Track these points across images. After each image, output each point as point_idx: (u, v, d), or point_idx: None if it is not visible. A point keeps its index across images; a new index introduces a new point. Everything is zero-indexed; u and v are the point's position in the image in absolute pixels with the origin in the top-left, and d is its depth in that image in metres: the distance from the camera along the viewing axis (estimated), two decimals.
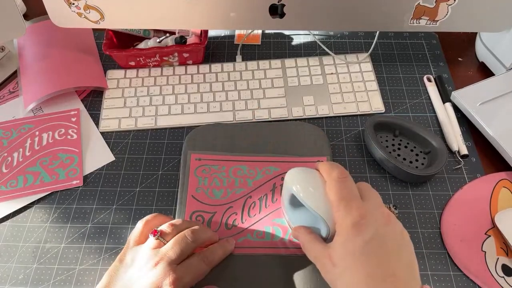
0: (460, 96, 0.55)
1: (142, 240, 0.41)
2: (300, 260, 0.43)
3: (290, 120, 0.57)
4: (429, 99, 0.59)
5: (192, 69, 0.62)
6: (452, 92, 0.56)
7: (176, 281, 0.36)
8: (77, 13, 0.54)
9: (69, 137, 0.55)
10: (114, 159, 0.54)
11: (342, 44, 0.65)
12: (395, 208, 0.47)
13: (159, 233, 0.40)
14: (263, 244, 0.45)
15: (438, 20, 0.54)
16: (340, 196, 0.35)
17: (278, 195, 0.48)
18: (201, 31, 0.61)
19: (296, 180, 0.39)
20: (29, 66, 0.60)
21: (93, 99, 0.60)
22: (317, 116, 0.57)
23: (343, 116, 0.57)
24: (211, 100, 0.58)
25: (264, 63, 0.62)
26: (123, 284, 0.37)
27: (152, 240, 0.39)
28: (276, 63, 0.62)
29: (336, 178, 0.36)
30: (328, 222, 0.36)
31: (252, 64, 0.62)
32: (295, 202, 0.41)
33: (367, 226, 0.33)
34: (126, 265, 0.39)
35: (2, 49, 0.63)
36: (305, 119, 0.57)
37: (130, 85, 0.60)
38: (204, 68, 0.62)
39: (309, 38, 0.66)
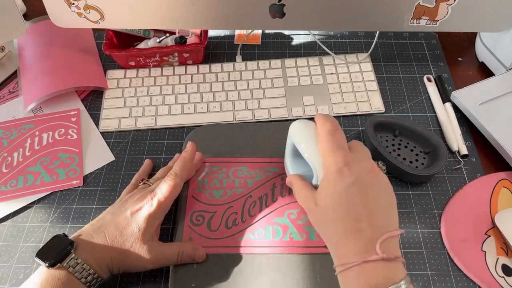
0: (460, 96, 0.55)
1: (132, 190, 0.47)
2: (300, 260, 0.44)
3: (290, 120, 0.57)
4: (429, 99, 0.59)
5: (192, 69, 0.62)
6: (452, 92, 0.56)
7: (154, 198, 0.42)
8: (77, 13, 0.54)
9: (69, 137, 0.55)
10: (114, 159, 0.54)
11: (342, 44, 0.65)
12: (382, 165, 0.47)
13: (145, 179, 0.48)
14: (263, 244, 0.45)
15: (438, 20, 0.54)
16: (329, 146, 0.37)
17: (278, 195, 0.48)
18: (201, 31, 0.61)
19: (296, 131, 0.42)
20: (29, 66, 0.60)
21: (93, 99, 0.60)
22: None
23: (343, 116, 0.57)
24: (211, 100, 0.58)
25: (264, 63, 0.62)
26: (110, 211, 0.43)
27: (139, 186, 0.47)
28: (276, 63, 0.62)
29: (327, 130, 0.38)
30: (318, 170, 0.38)
31: (252, 64, 0.62)
32: (294, 152, 0.44)
33: (350, 172, 0.35)
34: (115, 204, 0.45)
35: (2, 49, 0.63)
36: (305, 119, 0.57)
37: (130, 85, 0.60)
38: (204, 68, 0.62)
39: (309, 38, 0.66)
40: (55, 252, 0.38)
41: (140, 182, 0.48)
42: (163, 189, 0.43)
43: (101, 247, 0.40)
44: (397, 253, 0.34)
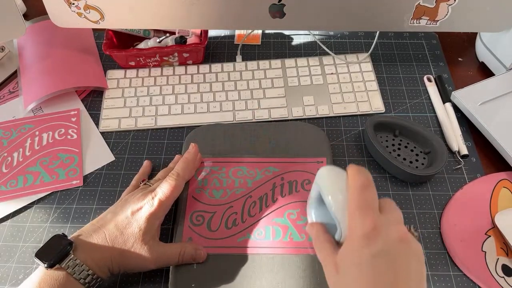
0: (460, 96, 0.55)
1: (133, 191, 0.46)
2: (300, 260, 0.44)
3: (290, 120, 0.57)
4: (429, 99, 0.59)
5: (192, 69, 0.62)
6: (452, 92, 0.56)
7: (155, 198, 0.42)
8: (77, 13, 0.54)
9: (69, 137, 0.55)
10: (114, 159, 0.54)
11: (342, 44, 0.65)
12: (415, 230, 0.45)
13: (146, 180, 0.47)
14: (263, 244, 0.45)
15: (438, 20, 0.54)
16: (358, 205, 0.34)
17: (278, 195, 0.48)
18: (201, 31, 0.61)
19: (324, 178, 0.39)
20: (29, 66, 0.60)
21: (93, 99, 0.60)
22: (317, 116, 0.57)
23: (343, 116, 0.57)
24: (211, 100, 0.58)
25: (264, 63, 0.62)
26: (111, 211, 0.43)
27: (140, 187, 0.46)
28: (276, 63, 0.62)
29: (359, 186, 0.34)
30: (343, 228, 0.35)
31: (252, 64, 0.62)
32: (319, 198, 0.41)
33: (377, 239, 0.32)
34: (115, 204, 0.44)
35: (2, 49, 0.63)
36: (305, 119, 0.57)
37: (130, 85, 0.60)
38: (204, 68, 0.62)
39: (309, 38, 0.66)
40: (54, 252, 0.38)
41: (140, 183, 0.48)
42: (164, 188, 0.43)
43: (101, 247, 0.40)
44: None
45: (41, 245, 0.39)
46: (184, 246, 0.43)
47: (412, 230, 0.40)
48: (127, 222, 0.41)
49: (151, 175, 0.52)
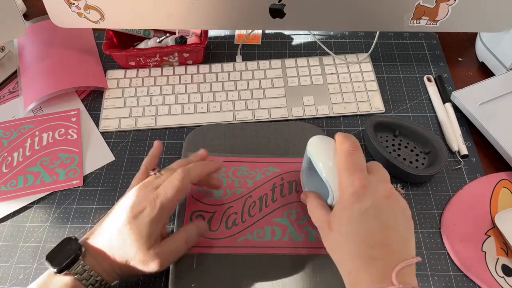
0: (460, 96, 0.55)
1: (142, 178, 0.43)
2: (300, 260, 0.44)
3: (290, 120, 0.57)
4: (429, 99, 0.59)
5: (192, 69, 0.62)
6: (452, 92, 0.56)
7: (157, 200, 0.39)
8: (77, 13, 0.54)
9: (69, 137, 0.55)
10: (114, 159, 0.54)
11: (342, 44, 0.65)
12: (402, 188, 0.46)
13: (157, 169, 0.43)
14: (263, 244, 0.45)
15: (438, 20, 0.54)
16: (346, 167, 0.36)
17: (278, 195, 0.48)
18: (201, 31, 0.61)
19: (314, 147, 0.41)
20: (29, 66, 0.60)
21: (93, 99, 0.60)
22: (317, 116, 0.57)
23: (343, 116, 0.57)
24: (211, 100, 0.58)
25: (264, 63, 0.62)
26: (119, 205, 0.40)
27: (150, 176, 0.43)
28: (276, 63, 0.62)
29: (346, 150, 0.37)
30: (334, 190, 0.38)
31: (252, 64, 0.62)
32: (311, 168, 0.43)
33: (366, 196, 0.34)
34: (123, 199, 0.41)
35: (2, 49, 0.63)
36: (305, 119, 0.57)
37: (130, 85, 0.60)
38: (204, 68, 0.62)
39: (309, 38, 0.66)
40: (64, 257, 0.37)
41: (151, 172, 0.44)
42: (168, 190, 0.39)
43: (107, 255, 0.38)
44: (414, 283, 0.32)
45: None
46: (187, 231, 0.42)
47: (399, 189, 0.41)
48: (128, 230, 0.38)
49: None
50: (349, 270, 0.34)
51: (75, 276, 0.37)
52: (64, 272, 0.37)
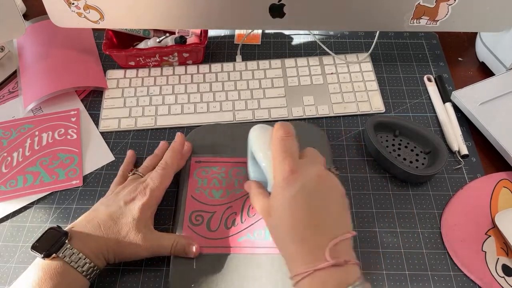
0: (460, 96, 0.55)
1: (122, 182, 0.48)
2: None
3: (290, 120, 0.57)
4: (429, 99, 0.59)
5: (192, 69, 0.62)
6: (453, 92, 0.56)
7: (147, 188, 0.43)
8: (77, 13, 0.54)
9: (69, 137, 0.55)
10: (114, 159, 0.54)
11: (342, 44, 0.65)
12: (336, 169, 0.46)
13: (134, 170, 0.48)
14: (263, 244, 0.45)
15: (438, 20, 0.54)
16: (278, 153, 0.38)
17: None
18: (201, 31, 0.61)
19: (253, 137, 0.43)
20: (29, 66, 0.60)
21: (93, 99, 0.60)
22: (317, 116, 0.57)
23: (343, 116, 0.57)
24: (211, 100, 0.58)
25: (264, 63, 0.62)
26: (103, 203, 0.44)
27: (130, 176, 0.47)
28: (276, 63, 0.62)
29: (279, 136, 0.39)
30: (270, 178, 0.39)
31: (252, 64, 0.62)
32: (253, 157, 0.44)
33: (296, 180, 0.36)
34: (107, 196, 0.46)
35: (2, 49, 0.63)
36: (305, 119, 0.57)
37: (130, 85, 0.60)
38: (204, 68, 0.62)
39: (309, 38, 0.66)
40: (49, 243, 0.38)
41: (129, 174, 0.48)
42: (155, 179, 0.44)
43: (96, 237, 0.40)
44: (347, 257, 0.33)
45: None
46: (178, 238, 0.44)
47: (333, 170, 0.42)
48: (121, 213, 0.42)
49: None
50: (288, 253, 0.36)
51: (64, 259, 0.38)
52: (51, 257, 0.38)
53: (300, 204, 0.35)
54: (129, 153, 0.53)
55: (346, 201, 0.37)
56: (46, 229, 0.40)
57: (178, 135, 0.49)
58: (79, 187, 0.52)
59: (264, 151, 0.40)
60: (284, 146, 0.38)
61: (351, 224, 0.37)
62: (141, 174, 0.47)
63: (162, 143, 0.52)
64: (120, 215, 0.42)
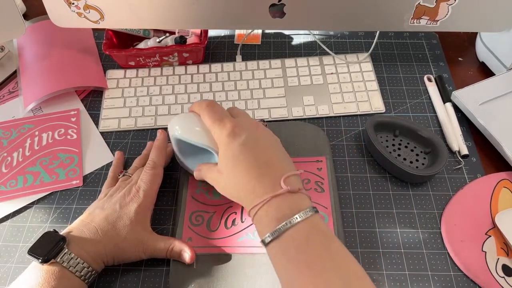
0: (460, 96, 0.55)
1: (113, 184, 0.48)
2: None
3: (290, 120, 0.56)
4: (430, 99, 0.59)
5: (192, 69, 0.62)
6: (453, 92, 0.56)
7: (140, 190, 0.44)
8: (77, 13, 0.54)
9: (69, 137, 0.55)
10: (114, 159, 0.54)
11: (342, 44, 0.65)
12: (264, 122, 0.49)
13: (124, 172, 0.49)
14: None
15: (438, 20, 0.54)
16: (213, 119, 0.40)
17: None
18: (201, 31, 0.61)
19: (176, 125, 0.43)
20: (29, 66, 0.60)
21: (93, 99, 0.60)
22: (317, 116, 0.57)
23: (343, 116, 0.57)
24: None
25: (264, 63, 0.62)
26: (98, 206, 0.44)
27: (120, 178, 0.48)
28: (276, 63, 0.62)
29: (205, 106, 0.42)
30: (213, 147, 0.41)
31: (252, 64, 0.62)
32: (183, 148, 0.46)
33: (240, 132, 0.39)
34: (99, 199, 0.46)
35: (2, 49, 0.63)
36: (305, 119, 0.57)
37: (130, 85, 0.60)
38: (204, 68, 0.62)
39: (309, 38, 0.66)
40: (47, 248, 0.38)
41: (119, 175, 0.49)
42: (146, 180, 0.45)
43: (93, 241, 0.41)
44: (300, 186, 0.37)
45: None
46: (173, 244, 0.44)
47: (262, 123, 0.45)
48: (117, 216, 0.42)
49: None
50: (246, 193, 0.38)
51: (62, 264, 0.38)
52: (50, 262, 0.38)
53: (251, 147, 0.38)
54: (117, 154, 0.53)
55: (283, 147, 0.42)
56: (43, 233, 0.40)
57: (160, 132, 0.49)
58: (79, 187, 0.52)
59: (194, 131, 0.42)
60: (215, 112, 0.41)
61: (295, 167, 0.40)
62: (130, 175, 0.48)
63: (149, 143, 0.53)
64: (117, 219, 0.42)
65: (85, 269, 0.39)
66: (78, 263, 0.39)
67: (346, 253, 0.34)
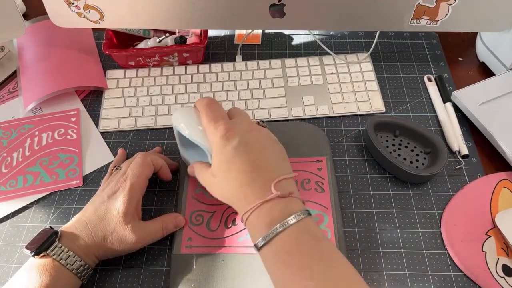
0: (460, 96, 0.55)
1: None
2: None
3: (290, 120, 0.56)
4: (430, 99, 0.59)
5: (192, 69, 0.62)
6: (453, 92, 0.56)
7: (127, 179, 0.44)
8: (77, 13, 0.54)
9: (68, 137, 0.55)
10: (114, 159, 0.54)
11: (342, 44, 0.65)
12: (263, 122, 0.48)
13: (117, 166, 0.48)
14: None
15: (438, 20, 0.54)
16: (209, 119, 0.40)
17: None
18: (201, 31, 0.61)
19: (177, 120, 0.44)
20: (29, 66, 0.60)
21: (92, 99, 0.60)
22: (317, 116, 0.57)
23: (343, 116, 0.57)
24: None
25: (264, 63, 0.62)
26: (91, 201, 0.44)
27: (113, 173, 0.47)
28: (276, 63, 0.62)
29: (204, 105, 0.41)
30: (208, 147, 0.41)
31: (252, 64, 0.62)
32: (184, 141, 0.46)
33: (234, 135, 0.38)
34: (95, 194, 0.45)
35: (2, 49, 0.63)
36: (305, 119, 0.57)
37: (129, 85, 0.60)
38: (204, 68, 0.62)
39: (309, 38, 0.66)
40: (40, 242, 0.39)
41: (113, 170, 0.49)
42: (134, 169, 0.44)
43: (84, 235, 0.41)
44: (292, 190, 0.37)
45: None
46: (165, 220, 0.45)
47: (261, 123, 0.45)
48: (105, 208, 0.42)
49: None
50: (236, 201, 0.38)
51: (53, 257, 0.38)
52: (41, 255, 0.39)
53: (243, 151, 0.38)
54: (120, 151, 0.53)
55: (282, 147, 0.41)
56: (40, 230, 0.41)
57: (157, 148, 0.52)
58: (79, 187, 0.52)
59: (192, 126, 0.42)
60: (213, 112, 0.41)
61: (291, 168, 0.40)
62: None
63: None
64: (105, 211, 0.42)
65: (77, 262, 0.39)
66: (69, 256, 0.39)
67: (336, 253, 0.35)
